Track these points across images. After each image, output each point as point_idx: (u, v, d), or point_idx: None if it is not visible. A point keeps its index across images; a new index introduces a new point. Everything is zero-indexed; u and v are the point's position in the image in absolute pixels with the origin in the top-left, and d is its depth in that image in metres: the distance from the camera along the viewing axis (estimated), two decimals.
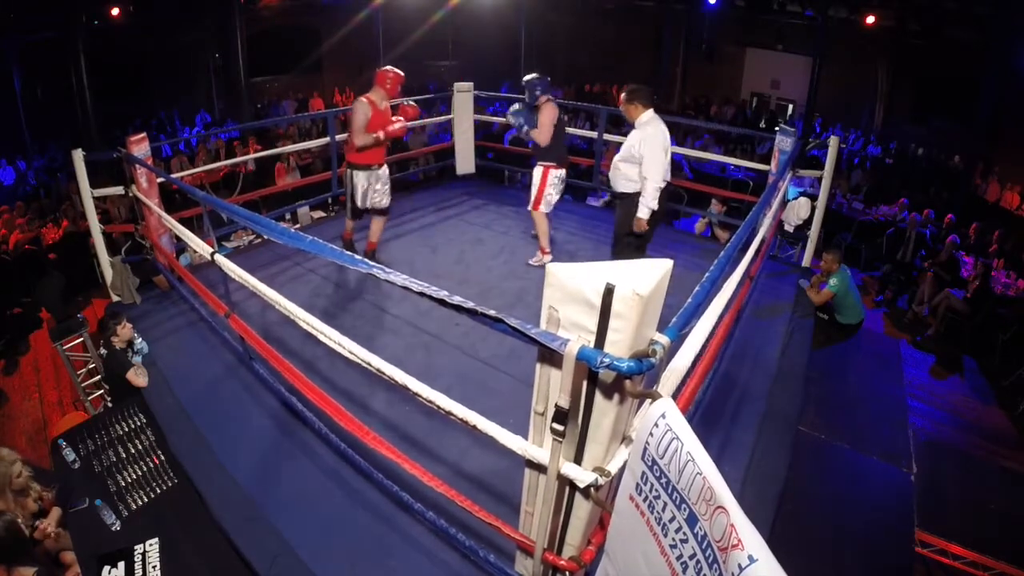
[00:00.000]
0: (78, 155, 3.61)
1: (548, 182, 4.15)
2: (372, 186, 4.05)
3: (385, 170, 4.11)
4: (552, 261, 4.02)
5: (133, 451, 2.74)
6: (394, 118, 4.02)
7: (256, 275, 2.35)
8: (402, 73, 3.98)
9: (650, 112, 3.47)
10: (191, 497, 2.46)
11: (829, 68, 10.76)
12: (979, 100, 9.39)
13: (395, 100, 4.18)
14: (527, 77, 4.17)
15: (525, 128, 4.12)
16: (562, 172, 4.20)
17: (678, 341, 1.37)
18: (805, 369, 3.43)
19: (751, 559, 0.89)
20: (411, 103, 4.33)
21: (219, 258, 2.54)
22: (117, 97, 10.36)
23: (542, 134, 4.05)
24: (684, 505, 1.10)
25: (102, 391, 3.58)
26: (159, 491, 2.54)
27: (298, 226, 5.67)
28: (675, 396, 1.50)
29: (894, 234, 7.21)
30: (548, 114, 4.02)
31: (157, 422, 2.86)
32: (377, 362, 1.69)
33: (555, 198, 4.26)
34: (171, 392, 3.04)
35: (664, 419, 1.15)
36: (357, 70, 13.89)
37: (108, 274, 3.86)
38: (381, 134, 3.87)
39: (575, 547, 1.56)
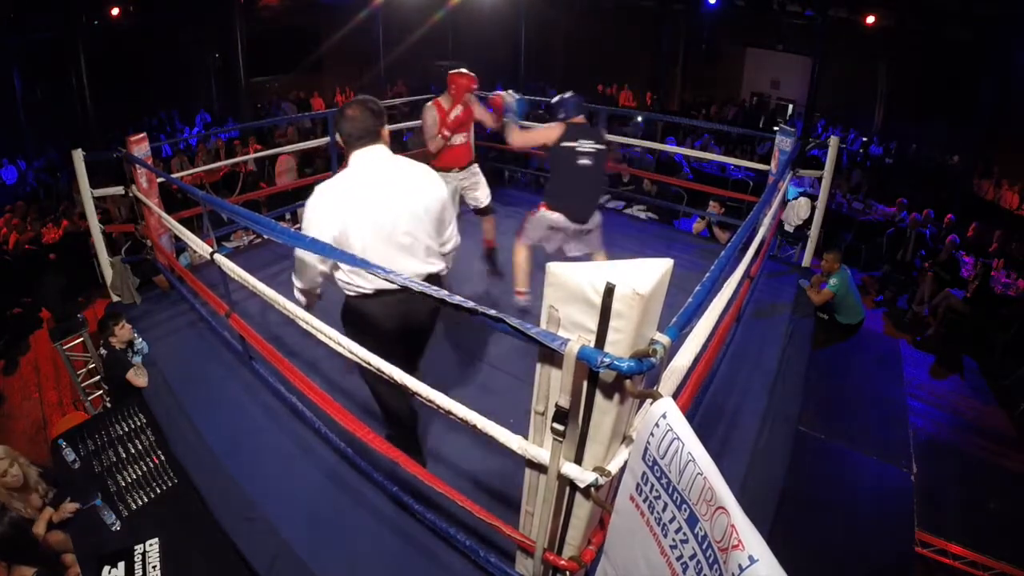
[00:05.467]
0: (78, 155, 3.61)
1: (532, 218, 3.30)
2: (457, 190, 3.83)
3: (471, 170, 3.87)
4: (528, 302, 3.37)
5: (133, 451, 2.74)
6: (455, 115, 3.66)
7: (256, 275, 2.34)
8: (465, 73, 3.65)
9: (365, 152, 1.94)
10: (191, 497, 2.46)
11: (829, 68, 10.76)
12: (979, 100, 9.39)
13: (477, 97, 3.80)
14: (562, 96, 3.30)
15: (508, 118, 3.32)
16: (555, 217, 3.18)
17: (678, 341, 1.37)
18: (805, 369, 3.43)
19: (751, 559, 0.89)
20: (502, 93, 3.52)
21: (219, 258, 2.53)
22: (117, 97, 10.37)
23: (516, 137, 3.26)
24: (684, 505, 1.09)
25: (102, 391, 3.58)
26: (159, 491, 2.54)
27: (298, 226, 5.67)
28: (675, 396, 1.50)
29: (894, 234, 7.21)
30: (548, 130, 3.19)
31: (157, 422, 2.86)
32: (376, 361, 1.69)
33: (539, 238, 3.32)
34: (171, 392, 3.04)
35: (665, 419, 1.15)
36: (357, 70, 13.90)
37: (108, 274, 3.86)
38: (446, 132, 3.62)
39: (575, 547, 1.56)
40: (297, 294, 2.17)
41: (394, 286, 1.58)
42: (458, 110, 3.66)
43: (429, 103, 3.70)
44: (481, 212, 4.01)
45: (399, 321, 2.03)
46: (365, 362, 1.72)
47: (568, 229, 3.23)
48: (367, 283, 1.96)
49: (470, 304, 1.34)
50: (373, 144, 1.94)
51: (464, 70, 3.68)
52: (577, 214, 3.18)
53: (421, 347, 2.32)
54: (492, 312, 1.29)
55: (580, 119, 3.22)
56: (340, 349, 1.82)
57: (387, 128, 1.98)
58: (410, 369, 1.78)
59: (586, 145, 3.13)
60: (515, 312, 3.55)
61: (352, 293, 2.03)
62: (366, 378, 2.15)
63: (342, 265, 1.95)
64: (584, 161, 3.11)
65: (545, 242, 3.36)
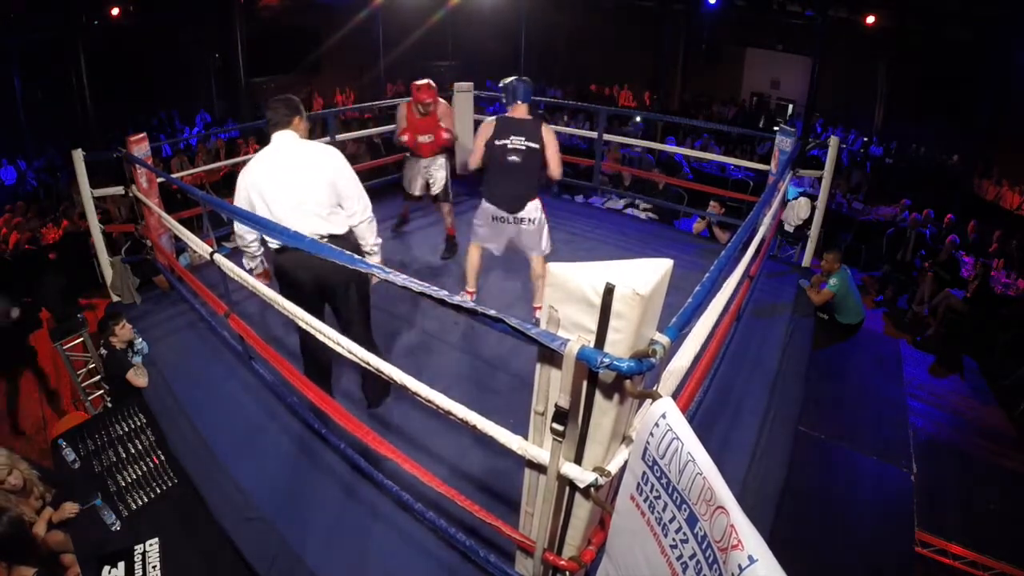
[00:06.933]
0: (78, 155, 3.61)
1: (477, 211, 3.45)
2: (418, 174, 4.42)
3: (436, 161, 4.38)
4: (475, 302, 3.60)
5: (133, 451, 2.74)
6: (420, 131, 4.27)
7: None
8: (423, 86, 4.17)
9: (278, 135, 2.42)
10: (191, 497, 2.46)
11: (829, 68, 10.76)
12: (979, 100, 9.39)
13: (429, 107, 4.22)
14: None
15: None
16: (493, 208, 3.32)
17: (678, 341, 1.37)
18: (805, 369, 3.43)
19: (751, 559, 0.89)
20: (444, 128, 4.27)
21: (218, 258, 2.54)
22: (117, 97, 10.36)
23: (470, 156, 3.35)
24: (684, 505, 1.10)
25: (102, 391, 3.58)
26: (159, 491, 2.54)
27: None
28: (675, 396, 1.50)
29: (894, 234, 7.21)
30: (480, 132, 3.30)
31: (157, 422, 2.86)
32: (376, 361, 1.69)
33: (486, 234, 3.45)
34: (171, 392, 3.04)
35: (664, 419, 1.15)
36: (357, 70, 13.90)
37: (108, 274, 3.86)
38: (407, 135, 4.28)
39: (575, 547, 1.56)
40: (243, 249, 2.60)
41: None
42: (421, 116, 4.24)
43: (402, 102, 4.36)
44: (435, 199, 4.53)
45: (310, 275, 2.43)
46: (364, 361, 1.72)
47: (507, 219, 3.33)
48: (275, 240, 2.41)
49: (470, 304, 1.34)
50: (284, 130, 2.43)
51: (424, 83, 4.20)
52: (507, 204, 3.31)
53: (348, 307, 2.59)
54: (492, 312, 1.29)
55: (521, 110, 3.24)
56: (339, 349, 1.82)
57: (299, 119, 2.45)
58: (345, 329, 2.19)
59: (516, 142, 3.19)
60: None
61: (272, 247, 2.48)
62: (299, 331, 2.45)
63: None
64: (513, 158, 3.21)
65: (493, 237, 3.46)
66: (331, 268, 2.22)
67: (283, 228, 2.02)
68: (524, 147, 3.18)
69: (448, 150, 4.48)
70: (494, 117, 3.27)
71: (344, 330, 2.52)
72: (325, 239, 2.38)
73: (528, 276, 3.81)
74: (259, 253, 2.64)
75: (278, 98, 2.47)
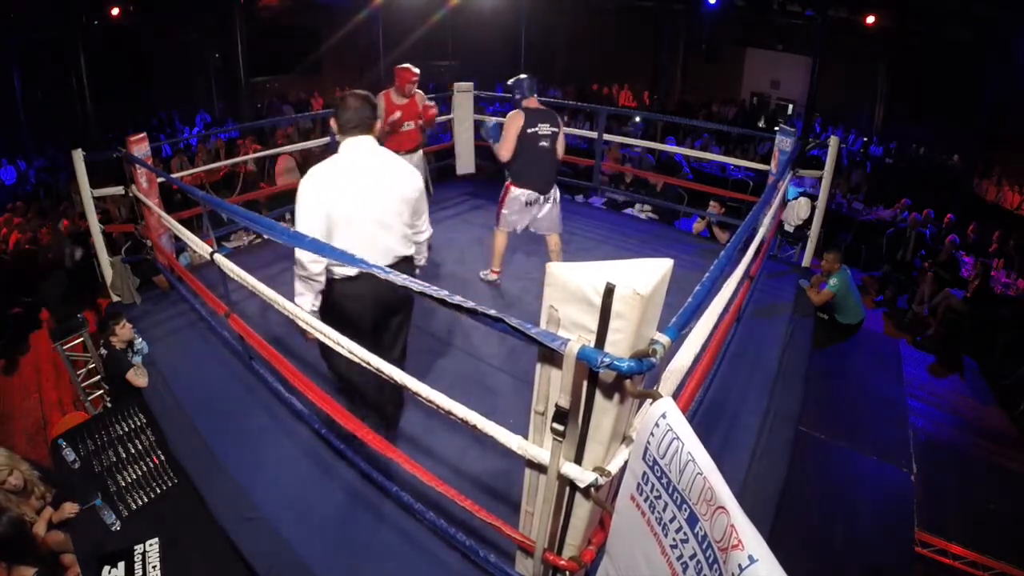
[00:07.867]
0: (78, 155, 3.61)
1: (505, 200, 3.74)
2: None
3: (416, 155, 4.37)
4: (497, 280, 3.97)
5: (133, 451, 2.74)
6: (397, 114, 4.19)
7: (256, 275, 2.34)
8: (407, 67, 4.18)
9: (356, 140, 2.12)
10: (191, 497, 2.46)
11: (829, 68, 10.76)
12: (979, 100, 9.39)
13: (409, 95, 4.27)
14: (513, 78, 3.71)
15: (491, 141, 3.65)
16: (527, 193, 3.67)
17: (678, 341, 1.37)
18: (805, 369, 3.43)
19: (751, 559, 0.89)
20: (429, 103, 4.32)
21: (218, 258, 2.53)
22: (117, 97, 10.37)
23: (501, 147, 3.58)
24: (685, 505, 1.10)
25: (102, 391, 3.58)
26: (159, 491, 2.54)
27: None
28: (675, 396, 1.50)
29: (894, 234, 7.21)
30: (511, 124, 3.55)
31: (157, 422, 2.86)
32: (376, 361, 1.69)
33: (516, 219, 3.77)
34: (171, 392, 3.04)
35: (665, 419, 1.15)
36: (357, 70, 13.90)
37: (108, 274, 3.86)
38: (389, 120, 4.17)
39: (575, 547, 1.56)
40: (299, 285, 2.14)
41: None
42: (403, 101, 4.22)
43: (379, 94, 4.19)
44: None
45: (373, 300, 2.21)
46: (364, 361, 1.72)
47: (538, 199, 3.72)
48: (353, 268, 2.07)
49: (470, 304, 1.34)
50: (364, 134, 2.14)
51: (407, 65, 4.19)
52: (542, 187, 3.70)
53: (397, 330, 2.44)
54: (492, 312, 1.29)
55: (535, 101, 3.62)
56: (340, 349, 1.82)
57: (379, 123, 2.23)
58: (387, 355, 1.82)
59: (544, 128, 3.57)
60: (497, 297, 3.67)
61: (338, 276, 2.17)
62: (328, 357, 2.32)
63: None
64: (543, 143, 3.58)
65: (519, 221, 3.79)
66: (400, 295, 2.15)
67: (363, 260, 1.61)
68: (550, 132, 3.59)
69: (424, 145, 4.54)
70: (519, 110, 3.56)
71: (383, 353, 2.04)
72: (400, 261, 2.24)
73: (527, 274, 4.09)
74: (322, 287, 2.16)
75: (358, 94, 2.11)
